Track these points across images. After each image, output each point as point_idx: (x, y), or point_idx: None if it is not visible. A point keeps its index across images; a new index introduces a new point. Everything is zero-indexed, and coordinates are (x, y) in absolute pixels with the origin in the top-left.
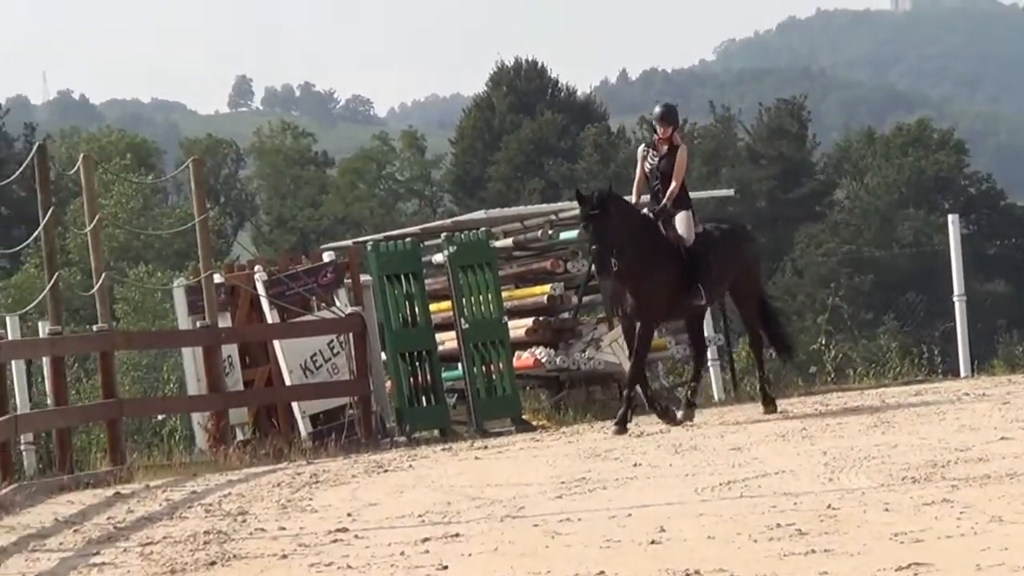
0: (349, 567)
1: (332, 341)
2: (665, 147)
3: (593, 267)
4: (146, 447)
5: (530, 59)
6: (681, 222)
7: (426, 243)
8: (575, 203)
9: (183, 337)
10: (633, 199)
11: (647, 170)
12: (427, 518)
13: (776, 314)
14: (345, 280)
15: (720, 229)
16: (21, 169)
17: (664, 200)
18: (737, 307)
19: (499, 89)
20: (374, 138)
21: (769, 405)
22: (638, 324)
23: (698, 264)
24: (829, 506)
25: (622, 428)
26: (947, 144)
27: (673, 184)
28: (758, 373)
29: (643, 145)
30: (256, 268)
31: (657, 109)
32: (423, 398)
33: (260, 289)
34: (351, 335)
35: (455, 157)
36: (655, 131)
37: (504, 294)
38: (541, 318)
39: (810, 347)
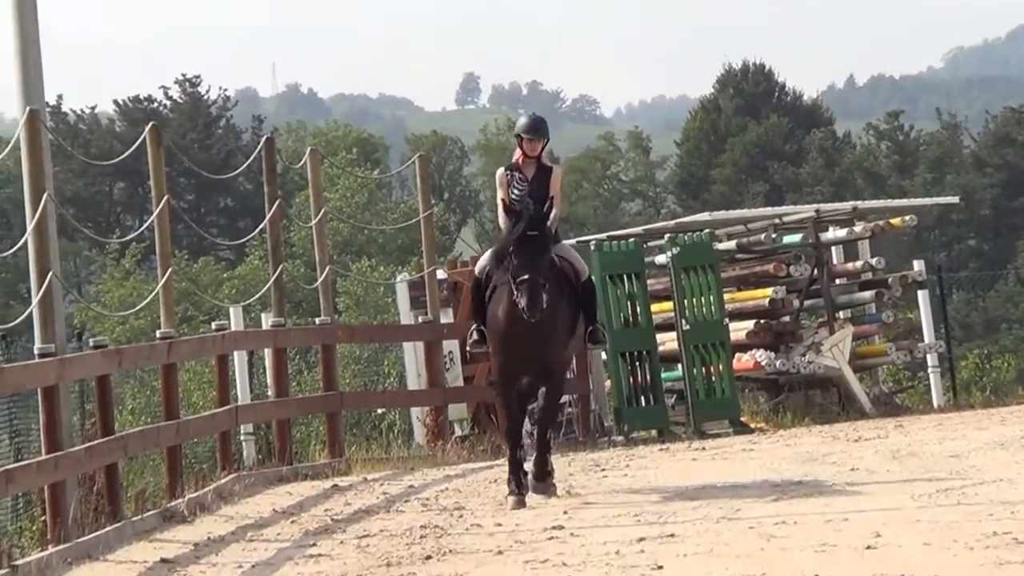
0: (564, 564)
1: None
2: (533, 168)
3: (525, 300)
4: (364, 440)
5: (757, 62)
6: (572, 252)
7: (649, 244)
8: (800, 208)
9: (405, 332)
10: (503, 224)
11: (516, 195)
12: (643, 518)
13: None
14: None
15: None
16: (248, 162)
17: (550, 224)
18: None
19: (726, 92)
20: (599, 138)
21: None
22: (545, 382)
23: (589, 303)
24: None
25: (520, 500)
26: None
27: (555, 211)
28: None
29: (502, 169)
30: None
31: (523, 120)
32: (642, 398)
33: None
34: None
35: (680, 159)
36: (520, 145)
37: (726, 296)
38: (763, 321)
39: None
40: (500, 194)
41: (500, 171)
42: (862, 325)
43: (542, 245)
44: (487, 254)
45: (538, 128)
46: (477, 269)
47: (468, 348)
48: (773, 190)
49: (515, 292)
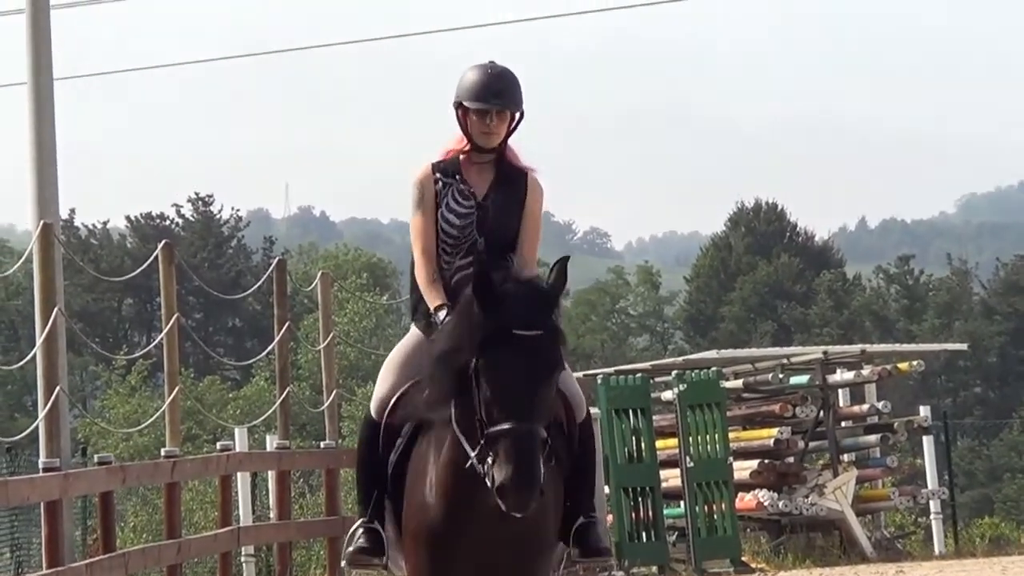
0: None
1: None
2: (489, 171)
3: (508, 475)
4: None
5: (770, 201)
6: (570, 378)
7: (656, 379)
8: (808, 349)
9: None
10: (424, 284)
11: (453, 225)
12: None
13: None
14: None
15: None
16: (259, 283)
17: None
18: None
19: (737, 229)
20: (609, 271)
21: None
22: None
23: (586, 468)
24: None
25: None
26: None
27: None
28: None
29: (427, 166)
30: None
31: (471, 73)
32: (643, 534)
33: None
34: None
35: (689, 295)
36: (463, 124)
37: (731, 435)
38: (767, 461)
39: None
40: (417, 222)
41: (422, 170)
42: (866, 468)
43: (547, 360)
44: (388, 376)
45: (503, 88)
46: (373, 407)
47: (344, 563)
48: (781, 329)
49: (480, 456)
